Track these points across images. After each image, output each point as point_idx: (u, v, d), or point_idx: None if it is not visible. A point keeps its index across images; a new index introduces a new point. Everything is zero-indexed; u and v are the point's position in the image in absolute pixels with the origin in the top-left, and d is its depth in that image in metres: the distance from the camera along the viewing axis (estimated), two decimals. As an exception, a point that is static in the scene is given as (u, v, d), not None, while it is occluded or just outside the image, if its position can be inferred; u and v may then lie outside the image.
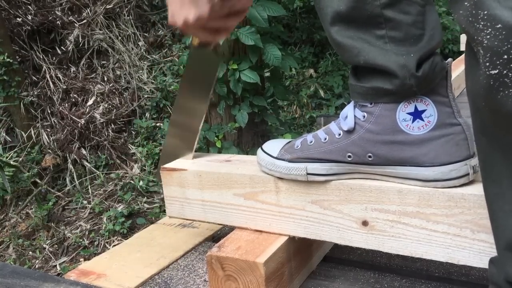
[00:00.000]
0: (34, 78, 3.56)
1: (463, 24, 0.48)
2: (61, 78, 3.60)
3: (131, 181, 3.12)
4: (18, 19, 3.63)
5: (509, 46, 0.43)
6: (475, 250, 0.68)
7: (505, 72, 0.44)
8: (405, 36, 0.66)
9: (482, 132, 0.52)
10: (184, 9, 0.66)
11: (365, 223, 0.75)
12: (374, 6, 0.65)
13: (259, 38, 2.25)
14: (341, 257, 0.95)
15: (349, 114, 0.73)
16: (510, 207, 0.50)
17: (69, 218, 3.02)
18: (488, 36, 0.45)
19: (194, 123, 0.95)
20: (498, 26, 0.44)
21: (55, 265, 2.68)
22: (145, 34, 4.11)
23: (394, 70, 0.66)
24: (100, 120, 3.42)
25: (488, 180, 0.53)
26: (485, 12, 0.44)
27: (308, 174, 0.77)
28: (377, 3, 0.65)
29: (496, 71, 0.45)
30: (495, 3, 0.44)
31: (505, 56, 0.44)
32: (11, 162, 3.01)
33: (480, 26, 0.45)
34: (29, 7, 3.74)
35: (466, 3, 0.46)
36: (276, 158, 0.80)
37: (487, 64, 0.45)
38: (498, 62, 0.44)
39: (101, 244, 2.76)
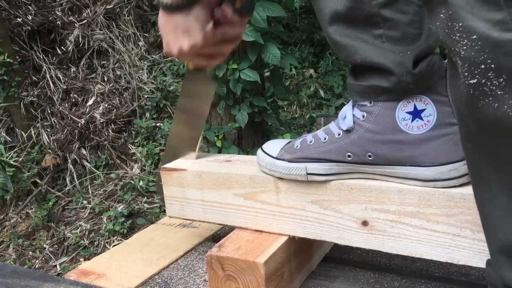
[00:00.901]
0: (34, 78, 3.56)
1: (441, 36, 0.49)
2: (61, 78, 3.60)
3: (131, 181, 3.11)
4: (18, 19, 3.63)
5: (485, 56, 0.44)
6: (475, 250, 0.68)
7: (483, 81, 0.45)
8: (402, 35, 0.66)
9: (468, 139, 0.52)
10: (178, 39, 0.69)
11: (365, 223, 0.75)
12: (372, 5, 0.65)
13: (259, 35, 2.25)
14: (341, 257, 0.95)
15: (348, 114, 0.74)
16: (502, 211, 0.50)
17: (69, 218, 3.02)
18: (465, 47, 0.45)
19: (192, 142, 0.97)
20: (473, 37, 0.44)
21: (55, 265, 2.68)
22: (145, 34, 4.11)
23: (390, 67, 0.66)
24: (100, 120, 3.42)
25: (478, 186, 0.54)
26: (460, 24, 0.45)
27: (308, 174, 0.77)
28: (375, 2, 0.65)
29: (474, 81, 0.45)
30: (469, 15, 0.44)
31: (482, 66, 0.44)
32: (11, 162, 3.01)
33: (456, 37, 0.46)
34: (29, 7, 3.74)
35: (441, 16, 0.47)
36: (276, 158, 0.80)
37: (466, 74, 0.46)
38: (476, 72, 0.45)
39: (101, 244, 2.76)
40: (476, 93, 0.46)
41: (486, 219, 0.54)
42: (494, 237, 0.53)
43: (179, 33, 0.68)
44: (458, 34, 0.46)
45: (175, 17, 0.67)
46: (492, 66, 0.44)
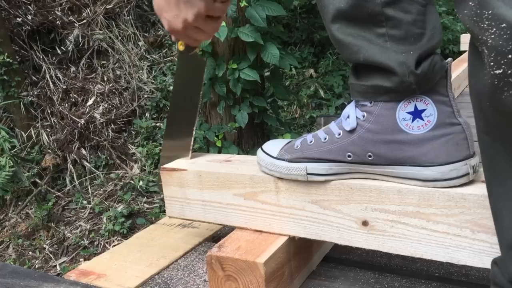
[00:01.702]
0: (34, 78, 3.56)
1: (468, 24, 0.48)
2: (61, 78, 3.60)
3: (131, 181, 3.11)
4: (18, 19, 3.64)
5: None
6: (475, 250, 0.67)
7: (509, 71, 0.44)
8: (405, 34, 0.66)
9: (486, 132, 0.52)
10: (181, 12, 0.71)
11: (365, 223, 0.75)
12: (375, 4, 0.65)
13: (259, 36, 2.25)
14: (341, 257, 0.95)
15: (351, 113, 0.73)
16: None
17: (69, 218, 3.02)
18: (493, 36, 0.45)
19: (188, 126, 0.99)
20: (502, 26, 0.44)
21: (55, 265, 2.68)
22: (145, 34, 4.11)
23: (393, 67, 0.66)
24: (100, 120, 3.42)
25: (492, 180, 0.53)
26: (490, 12, 0.45)
27: (308, 174, 0.76)
28: (378, 1, 0.65)
29: (500, 71, 0.45)
30: (499, 2, 0.44)
31: (510, 56, 0.44)
32: (23, 157, 3.01)
33: (485, 25, 0.45)
34: (29, 7, 3.74)
35: (470, 3, 0.46)
36: (276, 158, 0.80)
37: (492, 63, 0.45)
38: (502, 61, 0.44)
39: (101, 244, 2.76)
40: (501, 84, 0.45)
41: (498, 214, 0.54)
42: (506, 233, 0.52)
43: (181, 6, 0.71)
44: (486, 22, 0.45)
45: None
46: None
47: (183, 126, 1.00)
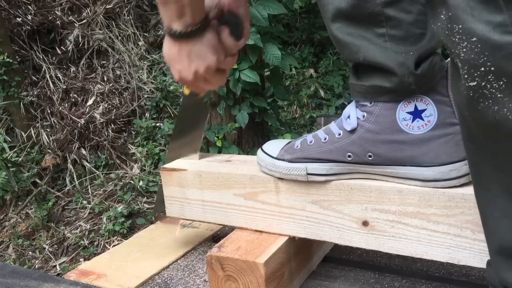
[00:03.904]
0: (34, 78, 3.56)
1: (442, 37, 0.48)
2: (61, 78, 3.60)
3: (131, 181, 3.11)
4: (18, 19, 3.63)
5: (485, 58, 0.44)
6: (475, 250, 0.67)
7: (483, 84, 0.45)
8: (405, 35, 0.66)
9: (470, 140, 0.52)
10: (193, 64, 0.72)
11: (365, 223, 0.75)
12: (375, 4, 0.65)
13: (259, 38, 2.25)
14: (341, 257, 0.95)
15: (352, 114, 0.73)
16: (500, 213, 0.50)
17: (69, 218, 3.01)
18: (465, 49, 0.45)
19: (192, 150, 1.01)
20: (473, 40, 0.44)
21: (55, 265, 2.67)
22: (145, 34, 4.11)
23: (392, 68, 0.66)
24: (100, 120, 3.42)
25: (478, 186, 0.54)
26: (460, 26, 0.45)
27: (308, 174, 0.76)
28: (378, 1, 0.65)
29: (475, 83, 0.45)
30: (469, 17, 0.44)
31: (482, 69, 0.44)
32: (13, 161, 3.01)
33: (456, 39, 0.46)
34: (29, 7, 3.74)
35: (442, 16, 0.47)
36: (276, 158, 0.80)
37: (466, 76, 0.46)
38: (475, 74, 0.45)
39: (101, 244, 2.76)
40: (476, 96, 0.46)
41: (486, 220, 0.54)
42: (493, 238, 0.53)
43: (193, 58, 0.71)
44: (458, 36, 0.45)
45: (189, 44, 0.70)
46: (492, 68, 0.44)
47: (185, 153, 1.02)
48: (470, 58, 0.45)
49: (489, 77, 0.44)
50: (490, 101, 0.45)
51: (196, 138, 1.00)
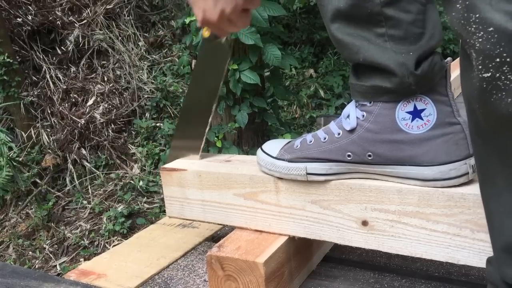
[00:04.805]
0: (34, 78, 3.56)
1: (456, 27, 0.48)
2: (61, 78, 3.60)
3: (131, 181, 3.11)
4: (18, 19, 3.64)
5: (501, 49, 0.43)
6: (475, 249, 0.67)
7: (497, 75, 0.44)
8: (405, 34, 0.66)
9: (477, 134, 0.52)
10: (219, 3, 0.69)
11: (365, 223, 0.75)
12: (375, 4, 0.65)
13: (259, 38, 2.25)
14: (341, 257, 0.95)
15: (351, 113, 0.73)
16: (505, 208, 0.50)
17: (69, 218, 3.02)
18: (480, 39, 0.44)
19: (203, 118, 0.96)
20: (490, 29, 0.44)
21: (55, 265, 2.68)
22: (145, 34, 4.12)
23: (392, 68, 0.66)
24: (100, 120, 3.42)
25: (484, 181, 0.54)
26: (477, 15, 0.44)
27: (308, 174, 0.77)
28: (377, 1, 0.65)
29: (489, 74, 0.45)
30: (487, 6, 0.44)
31: (498, 59, 0.44)
32: (19, 160, 3.01)
33: (472, 29, 0.45)
34: (29, 7, 3.74)
35: (458, 6, 0.46)
36: (276, 158, 0.80)
37: (480, 67, 0.45)
38: (490, 65, 0.44)
39: (101, 244, 2.76)
40: (489, 87, 0.45)
41: (490, 216, 0.54)
42: (498, 234, 0.53)
43: None
44: (474, 26, 0.45)
45: None
46: (508, 60, 0.43)
47: (197, 122, 0.97)
48: (485, 48, 0.44)
49: (504, 68, 0.43)
50: (504, 93, 0.44)
51: (212, 93, 0.93)
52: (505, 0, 0.43)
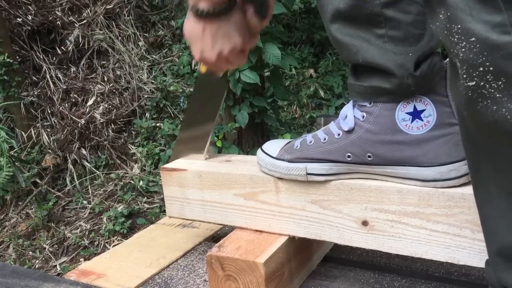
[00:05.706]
0: (34, 78, 3.56)
1: (440, 36, 0.48)
2: (61, 78, 3.60)
3: (131, 181, 3.11)
4: (18, 19, 3.63)
5: (483, 58, 0.44)
6: (475, 250, 0.68)
7: (482, 83, 0.45)
8: (404, 35, 0.66)
9: (468, 140, 0.52)
10: (217, 44, 0.70)
11: (365, 223, 0.75)
12: (374, 5, 0.65)
13: (259, 38, 2.25)
14: (341, 257, 0.95)
15: (349, 114, 0.73)
16: (498, 213, 0.50)
17: (69, 218, 3.02)
18: (463, 49, 0.45)
19: (200, 146, 0.98)
20: (472, 40, 0.44)
21: (55, 265, 2.68)
22: (145, 34, 4.11)
23: (392, 69, 0.66)
24: (100, 120, 3.42)
25: (477, 186, 0.54)
26: (459, 26, 0.45)
27: (308, 174, 0.77)
28: (377, 2, 0.65)
29: (473, 83, 0.45)
30: (468, 17, 0.44)
31: (481, 68, 0.44)
32: (22, 158, 3.01)
33: (455, 39, 0.46)
34: (29, 7, 3.74)
35: (441, 16, 0.47)
36: (276, 158, 0.80)
37: (465, 76, 0.46)
38: (474, 74, 0.45)
39: (101, 244, 2.76)
40: (475, 96, 0.46)
41: (484, 220, 0.54)
42: (491, 238, 0.53)
43: (218, 39, 0.69)
44: (456, 36, 0.45)
45: (215, 23, 0.68)
46: (491, 68, 0.44)
47: (195, 141, 0.99)
48: (468, 58, 0.45)
49: (488, 77, 0.44)
50: (489, 101, 0.45)
51: (211, 114, 0.96)
52: (485, 11, 0.43)
